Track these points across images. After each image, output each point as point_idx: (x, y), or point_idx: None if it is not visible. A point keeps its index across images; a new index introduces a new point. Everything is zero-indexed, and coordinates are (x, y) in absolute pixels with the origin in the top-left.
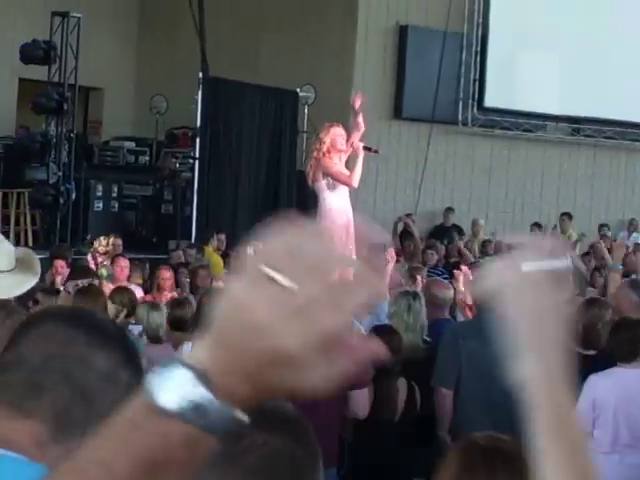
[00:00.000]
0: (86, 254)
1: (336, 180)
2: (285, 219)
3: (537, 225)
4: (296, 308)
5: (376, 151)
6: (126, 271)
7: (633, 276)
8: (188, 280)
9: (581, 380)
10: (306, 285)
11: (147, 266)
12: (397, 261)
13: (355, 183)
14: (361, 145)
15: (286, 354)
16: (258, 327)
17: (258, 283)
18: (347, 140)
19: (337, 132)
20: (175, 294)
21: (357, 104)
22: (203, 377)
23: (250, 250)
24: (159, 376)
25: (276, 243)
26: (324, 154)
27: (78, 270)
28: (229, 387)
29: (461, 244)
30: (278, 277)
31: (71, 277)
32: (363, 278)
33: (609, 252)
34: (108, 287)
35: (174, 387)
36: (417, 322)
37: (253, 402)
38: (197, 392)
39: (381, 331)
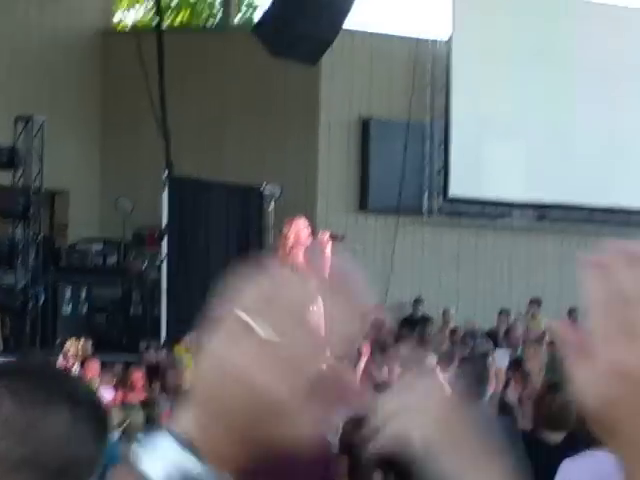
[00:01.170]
0: (56, 359)
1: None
2: (256, 265)
3: (505, 312)
4: (280, 356)
5: (342, 238)
6: (97, 374)
7: None
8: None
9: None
10: (288, 332)
11: (119, 368)
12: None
13: (326, 273)
14: (326, 234)
15: (276, 404)
16: (243, 380)
17: (236, 335)
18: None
19: (301, 225)
20: (146, 395)
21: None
22: (189, 444)
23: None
24: (144, 446)
25: (251, 291)
26: (290, 250)
27: None
28: (217, 451)
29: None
30: (256, 326)
31: None
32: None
33: None
34: None
35: (160, 457)
36: None
37: (243, 459)
38: (184, 460)
39: (356, 421)
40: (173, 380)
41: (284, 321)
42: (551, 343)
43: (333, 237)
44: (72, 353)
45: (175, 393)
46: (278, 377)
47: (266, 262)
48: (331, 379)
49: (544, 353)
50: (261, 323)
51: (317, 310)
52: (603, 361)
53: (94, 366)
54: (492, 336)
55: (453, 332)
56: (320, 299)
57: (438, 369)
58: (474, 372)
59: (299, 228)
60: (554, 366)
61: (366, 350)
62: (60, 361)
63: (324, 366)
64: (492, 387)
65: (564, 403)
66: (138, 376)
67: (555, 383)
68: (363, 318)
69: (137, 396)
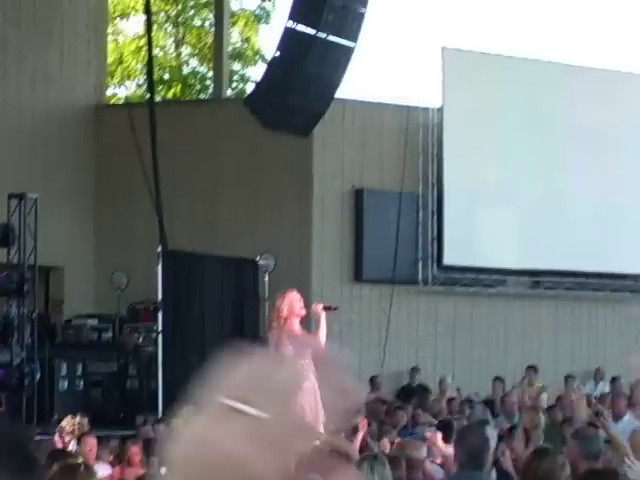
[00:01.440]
0: (53, 435)
1: (302, 342)
2: (247, 348)
3: (499, 379)
4: (269, 436)
5: (335, 308)
6: (94, 450)
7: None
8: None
9: None
10: (276, 412)
11: (116, 443)
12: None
13: (323, 342)
14: (320, 306)
15: None
16: (230, 462)
17: (221, 418)
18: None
19: (293, 297)
20: (143, 470)
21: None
22: None
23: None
24: None
25: (238, 374)
26: (285, 321)
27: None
28: None
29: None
30: (245, 408)
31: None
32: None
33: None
34: None
35: None
36: None
37: None
38: None
39: None
40: None
41: (272, 402)
42: (549, 409)
43: (327, 308)
44: (68, 430)
45: None
46: (266, 456)
47: (255, 346)
48: (322, 457)
49: (541, 420)
50: (249, 405)
51: (309, 388)
52: None
53: (91, 442)
54: (489, 404)
55: (450, 401)
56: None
57: (439, 439)
58: (474, 441)
59: (292, 300)
60: (553, 433)
61: (363, 424)
62: (56, 438)
63: (317, 442)
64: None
65: (550, 469)
66: (135, 451)
67: (542, 449)
68: (354, 395)
69: (135, 471)
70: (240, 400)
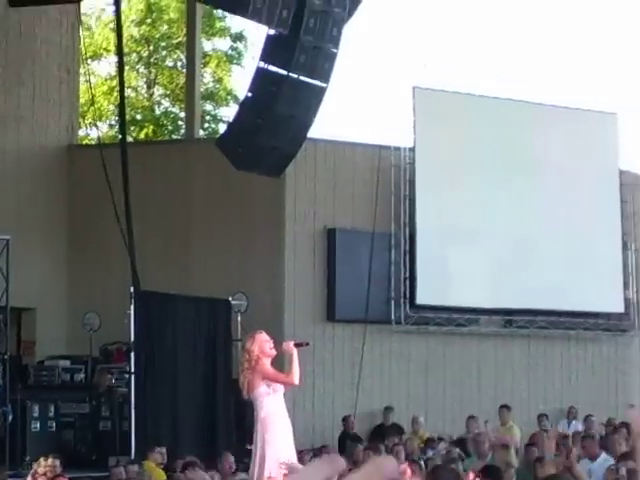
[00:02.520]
0: (25, 476)
1: (275, 381)
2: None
3: (472, 418)
4: None
5: (307, 344)
6: None
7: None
8: None
9: None
10: None
11: None
12: None
13: (296, 380)
14: (291, 343)
15: None
16: None
17: None
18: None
19: (263, 338)
20: None
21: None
22: None
23: None
24: None
25: None
26: (256, 362)
27: None
28: None
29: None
30: None
31: None
32: None
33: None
34: None
35: None
36: None
37: None
38: None
39: None
40: None
41: None
42: (525, 448)
43: (298, 344)
44: (41, 472)
45: None
46: None
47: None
48: None
49: (514, 459)
50: None
51: (285, 424)
52: None
53: None
54: (461, 443)
55: (424, 440)
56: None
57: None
58: (447, 478)
59: (262, 340)
60: (525, 472)
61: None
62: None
63: None
64: None
65: None
66: None
67: None
68: None
69: None
70: None
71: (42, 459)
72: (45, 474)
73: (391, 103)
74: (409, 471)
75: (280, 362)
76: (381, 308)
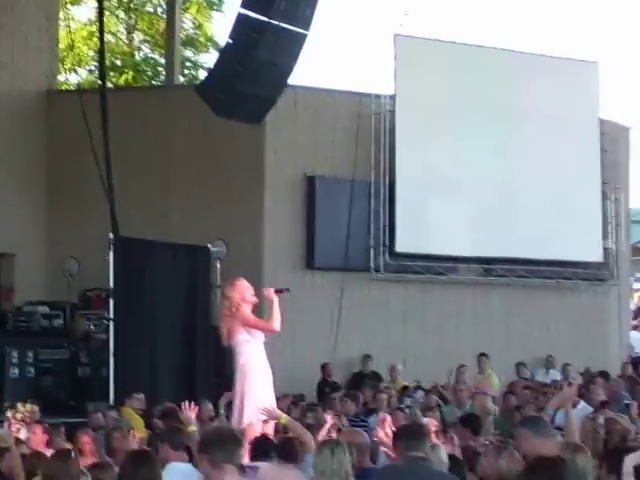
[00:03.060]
0: (3, 422)
1: (256, 328)
2: None
3: (463, 367)
4: None
5: (287, 290)
6: (43, 437)
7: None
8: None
9: None
10: None
11: (62, 430)
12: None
13: (277, 326)
14: (272, 289)
15: None
16: None
17: None
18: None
19: (244, 285)
20: (96, 459)
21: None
22: None
23: None
24: None
25: None
26: (236, 308)
27: None
28: None
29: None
30: None
31: None
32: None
33: (527, 389)
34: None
35: None
36: (342, 467)
37: None
38: None
39: None
40: (118, 443)
41: None
42: (503, 396)
43: (279, 291)
44: (18, 417)
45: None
46: None
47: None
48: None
49: (492, 407)
50: None
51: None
52: None
53: (39, 430)
54: (440, 391)
55: (404, 389)
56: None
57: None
58: (411, 428)
59: (243, 287)
60: (504, 420)
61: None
62: (5, 425)
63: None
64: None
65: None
66: (86, 440)
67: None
68: None
69: (86, 460)
70: None
71: (19, 404)
72: (23, 420)
73: (372, 51)
74: (389, 419)
75: (260, 311)
76: (360, 256)
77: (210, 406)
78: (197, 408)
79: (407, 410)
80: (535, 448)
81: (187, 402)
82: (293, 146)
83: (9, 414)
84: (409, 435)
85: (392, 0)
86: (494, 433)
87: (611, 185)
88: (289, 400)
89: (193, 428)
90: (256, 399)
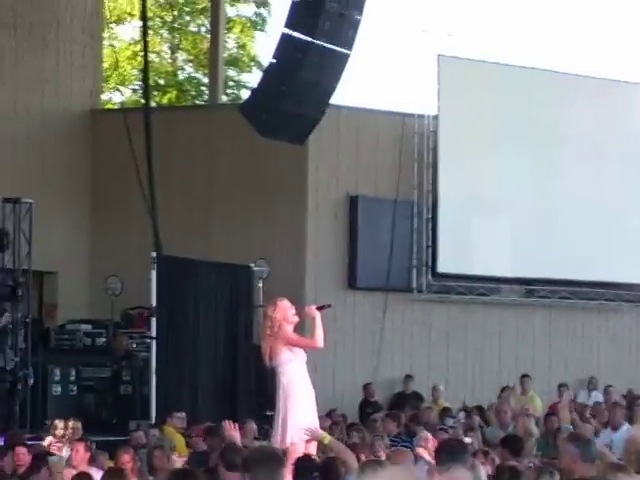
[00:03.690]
0: (46, 439)
1: (299, 346)
2: None
3: (507, 388)
4: None
5: (329, 306)
6: (85, 455)
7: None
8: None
9: None
10: None
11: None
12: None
13: (320, 343)
14: (313, 307)
15: None
16: None
17: None
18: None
19: (285, 305)
20: (136, 477)
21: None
22: None
23: None
24: None
25: None
26: (278, 328)
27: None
28: None
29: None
30: None
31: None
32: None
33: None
34: (69, 472)
35: None
36: None
37: None
38: None
39: None
40: (159, 462)
41: None
42: (545, 418)
43: (320, 307)
44: (61, 434)
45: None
46: None
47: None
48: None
49: (534, 428)
50: None
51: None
52: None
53: (82, 447)
54: (482, 412)
55: (444, 410)
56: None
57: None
58: (452, 448)
59: (284, 307)
60: (547, 441)
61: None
62: (49, 442)
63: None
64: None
65: None
66: (126, 459)
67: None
68: None
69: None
70: None
71: (57, 422)
72: (64, 436)
73: (415, 71)
74: (430, 437)
75: (302, 331)
76: (403, 276)
77: (254, 425)
78: (238, 427)
79: (450, 431)
80: (579, 470)
81: (229, 421)
82: (336, 166)
83: (54, 430)
84: (451, 448)
85: (436, 21)
86: (536, 455)
87: None
88: (333, 419)
89: None
90: (299, 419)
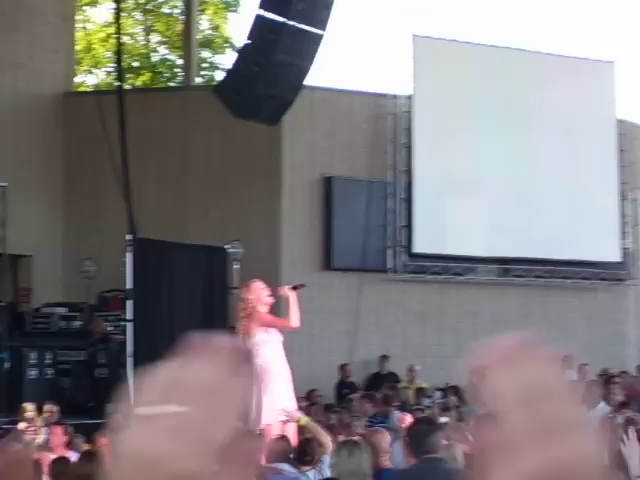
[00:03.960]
0: (21, 423)
1: (274, 326)
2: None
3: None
4: (188, 429)
5: (303, 285)
6: (63, 439)
7: None
8: None
9: None
10: (195, 405)
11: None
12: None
13: (296, 323)
14: (287, 287)
15: (190, 477)
16: (151, 462)
17: (141, 425)
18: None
19: (259, 286)
20: None
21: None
22: None
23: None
24: None
25: (157, 378)
26: (252, 309)
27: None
28: None
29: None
30: (161, 409)
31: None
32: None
33: None
34: (47, 456)
35: None
36: (360, 468)
37: None
38: None
39: None
40: None
41: (191, 395)
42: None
43: (295, 287)
44: (30, 417)
45: None
46: (190, 451)
47: (225, 335)
48: (240, 443)
49: None
50: (168, 406)
51: (283, 371)
52: (522, 461)
53: (59, 431)
54: (458, 392)
55: (420, 389)
56: (284, 362)
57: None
58: (422, 428)
59: (258, 289)
60: None
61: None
62: (24, 427)
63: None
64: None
65: None
66: (104, 442)
67: None
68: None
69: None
70: (158, 402)
71: (25, 405)
72: (33, 419)
73: (389, 51)
74: (408, 418)
75: (279, 312)
76: (378, 256)
77: None
78: None
79: (426, 411)
80: None
81: None
82: (310, 147)
83: (30, 411)
84: (421, 435)
85: (409, 1)
86: None
87: (629, 185)
88: (312, 400)
89: None
90: (274, 400)
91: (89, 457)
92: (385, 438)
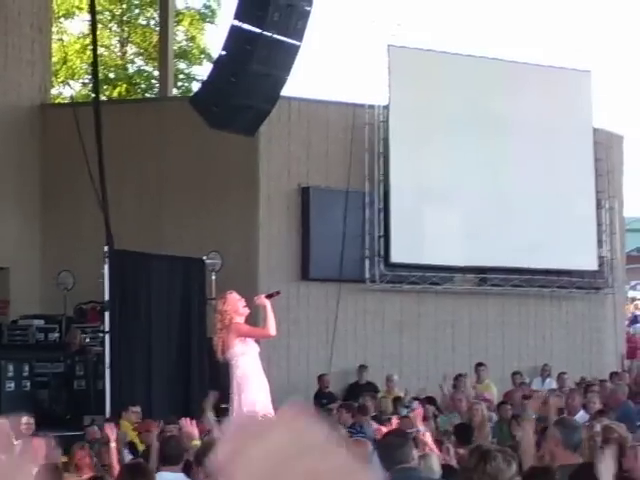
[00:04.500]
0: None
1: (252, 336)
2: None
3: (462, 376)
4: None
5: (278, 293)
6: (41, 451)
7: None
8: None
9: None
10: None
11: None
12: None
13: (272, 331)
14: (262, 296)
15: None
16: None
17: None
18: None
19: (235, 297)
20: (92, 472)
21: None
22: None
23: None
24: None
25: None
26: (229, 321)
27: None
28: None
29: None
30: None
31: None
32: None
33: (526, 399)
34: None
35: None
36: None
37: None
38: None
39: None
40: (108, 458)
41: None
42: (499, 406)
43: (269, 295)
44: (14, 430)
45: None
46: None
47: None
48: None
49: (490, 416)
50: None
51: (261, 382)
52: None
53: (39, 444)
54: (434, 402)
55: (396, 399)
56: (261, 372)
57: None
58: (393, 441)
59: (234, 300)
60: (501, 429)
61: None
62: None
63: None
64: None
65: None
66: (82, 454)
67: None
68: None
69: (82, 474)
70: None
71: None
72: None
73: (365, 61)
74: (383, 430)
75: (256, 321)
76: (355, 266)
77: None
78: (195, 422)
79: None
80: (559, 456)
81: (186, 418)
82: (287, 157)
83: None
84: (392, 447)
85: (385, 11)
86: (492, 441)
87: (605, 194)
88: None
89: (197, 442)
90: (253, 411)
91: (48, 469)
92: (366, 448)
